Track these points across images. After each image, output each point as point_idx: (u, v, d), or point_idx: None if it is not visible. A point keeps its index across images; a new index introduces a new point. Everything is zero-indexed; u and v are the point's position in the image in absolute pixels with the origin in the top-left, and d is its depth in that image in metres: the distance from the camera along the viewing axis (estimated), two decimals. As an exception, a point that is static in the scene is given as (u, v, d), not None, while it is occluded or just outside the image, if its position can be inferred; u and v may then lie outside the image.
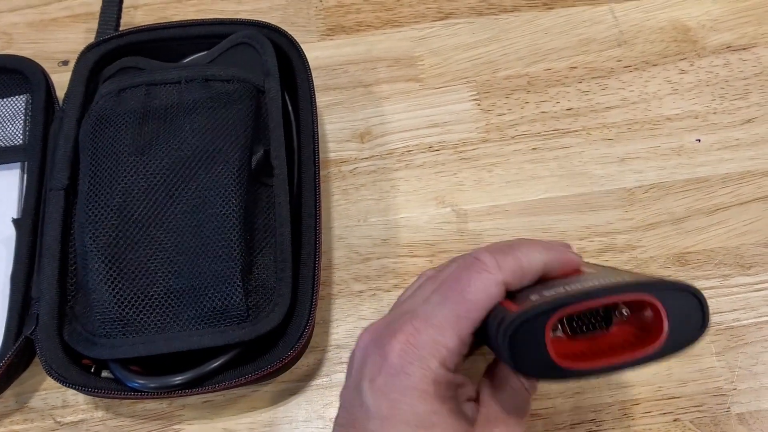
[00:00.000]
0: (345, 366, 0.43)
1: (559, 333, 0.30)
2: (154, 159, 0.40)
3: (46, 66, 0.49)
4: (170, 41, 0.48)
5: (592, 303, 0.28)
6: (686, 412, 0.42)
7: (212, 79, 0.43)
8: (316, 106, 0.45)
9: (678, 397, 0.42)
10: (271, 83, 0.44)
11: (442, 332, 0.30)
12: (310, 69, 0.46)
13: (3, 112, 0.47)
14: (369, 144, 0.50)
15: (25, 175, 0.45)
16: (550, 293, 0.29)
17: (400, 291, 0.44)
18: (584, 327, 0.30)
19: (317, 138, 0.44)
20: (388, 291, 0.46)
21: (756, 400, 0.42)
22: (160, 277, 0.38)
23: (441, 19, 0.55)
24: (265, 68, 0.45)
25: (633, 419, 0.42)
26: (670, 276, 0.45)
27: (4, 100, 0.48)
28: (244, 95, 0.43)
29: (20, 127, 0.47)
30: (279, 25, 0.48)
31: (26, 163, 0.45)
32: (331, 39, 0.54)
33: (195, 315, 0.38)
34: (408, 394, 0.30)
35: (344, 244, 0.47)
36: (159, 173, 0.39)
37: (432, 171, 0.49)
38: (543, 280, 0.32)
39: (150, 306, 0.38)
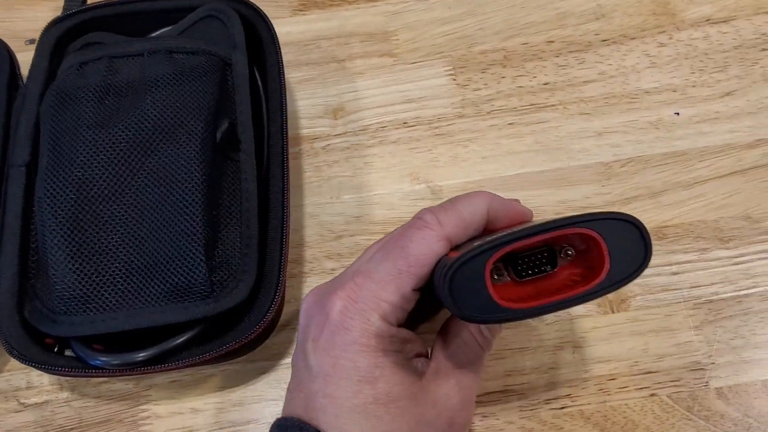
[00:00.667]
0: (316, 344, 0.43)
1: (506, 279, 0.30)
2: (115, 133, 0.39)
3: (14, 45, 0.48)
4: (137, 15, 0.47)
5: (529, 241, 0.28)
6: (663, 387, 0.41)
7: (177, 52, 0.42)
8: (284, 80, 0.44)
9: (655, 372, 0.41)
10: (238, 56, 0.43)
11: (383, 287, 0.30)
12: (278, 42, 0.45)
13: None
14: (342, 120, 0.49)
15: None
16: (491, 237, 0.29)
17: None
18: (530, 272, 0.30)
19: (285, 112, 0.43)
20: (361, 268, 0.45)
21: (735, 374, 0.41)
22: (122, 252, 0.37)
23: (416, -7, 0.54)
24: (232, 41, 0.44)
25: (609, 394, 0.41)
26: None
27: None
28: (209, 68, 0.42)
29: None
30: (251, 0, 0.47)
31: None
32: (304, 14, 0.53)
33: (157, 291, 0.37)
34: (349, 349, 0.30)
35: (316, 222, 0.46)
36: (119, 147, 0.38)
37: (407, 147, 0.48)
38: (492, 231, 0.32)
39: (111, 282, 0.37)
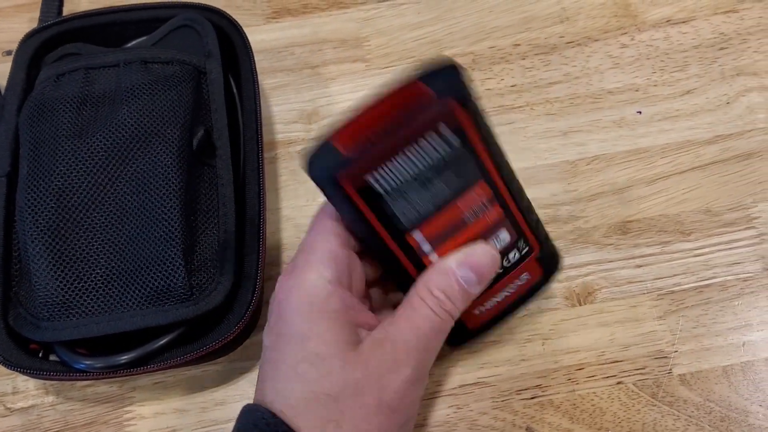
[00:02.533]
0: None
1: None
2: (92, 142, 0.40)
3: (-10, 56, 0.49)
4: (112, 26, 0.48)
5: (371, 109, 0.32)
6: (629, 375, 0.43)
7: (151, 62, 0.43)
8: (258, 86, 0.46)
9: (621, 361, 0.43)
10: (213, 64, 0.44)
11: (312, 251, 0.34)
12: (251, 49, 0.46)
13: None
14: (316, 125, 0.51)
15: None
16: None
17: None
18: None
19: (260, 117, 0.45)
20: (337, 268, 0.46)
21: (697, 361, 0.43)
22: (102, 258, 0.38)
23: None
24: (206, 50, 0.45)
25: (577, 383, 0.43)
26: (611, 244, 0.46)
27: None
28: (183, 77, 0.43)
29: None
30: (224, 9, 0.48)
31: None
32: (277, 21, 0.54)
33: (137, 295, 0.38)
34: (287, 317, 0.33)
35: (293, 225, 0.48)
36: (97, 156, 0.39)
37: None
38: None
39: (92, 288, 0.38)
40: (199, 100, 0.43)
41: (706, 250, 0.46)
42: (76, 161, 0.39)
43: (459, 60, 0.52)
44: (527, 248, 0.37)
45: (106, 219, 0.39)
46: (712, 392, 0.42)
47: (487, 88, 0.52)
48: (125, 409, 0.43)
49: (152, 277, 0.38)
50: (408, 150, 0.32)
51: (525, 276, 0.38)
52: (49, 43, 0.47)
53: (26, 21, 0.54)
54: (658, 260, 0.46)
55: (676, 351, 0.43)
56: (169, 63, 0.43)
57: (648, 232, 0.47)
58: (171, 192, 0.39)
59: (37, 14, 0.51)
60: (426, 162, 0.32)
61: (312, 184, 0.48)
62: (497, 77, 0.52)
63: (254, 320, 0.43)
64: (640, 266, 0.46)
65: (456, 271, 0.34)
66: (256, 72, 0.46)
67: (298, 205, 0.48)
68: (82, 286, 0.38)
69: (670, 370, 0.43)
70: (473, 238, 0.35)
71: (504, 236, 0.36)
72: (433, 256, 0.35)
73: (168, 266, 0.38)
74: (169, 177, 0.39)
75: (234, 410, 0.41)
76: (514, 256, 0.37)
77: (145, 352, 0.38)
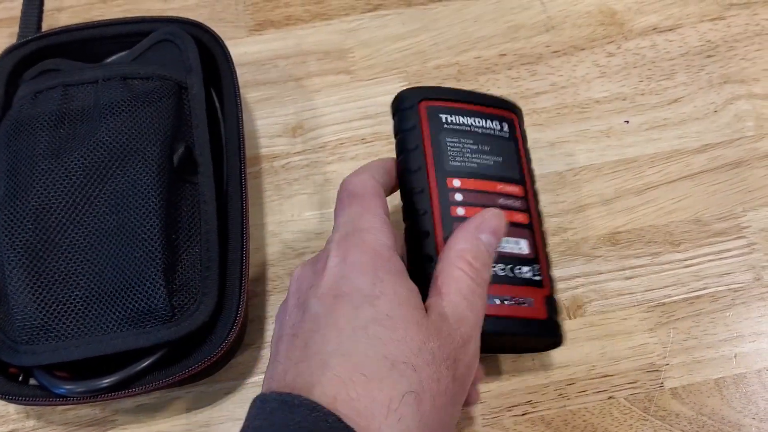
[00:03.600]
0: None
1: None
2: (70, 161, 0.39)
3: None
4: (92, 42, 0.47)
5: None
6: (620, 389, 0.42)
7: (131, 77, 0.43)
8: (240, 101, 0.45)
9: (612, 375, 0.42)
10: (194, 79, 0.44)
11: (368, 209, 0.34)
12: (233, 63, 0.46)
13: None
14: (301, 138, 0.50)
15: None
16: None
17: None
18: None
19: (242, 133, 0.44)
20: (324, 284, 0.45)
21: (688, 374, 0.42)
22: (81, 280, 0.37)
23: (370, 11, 0.55)
24: (186, 65, 0.44)
25: (568, 399, 0.42)
26: (600, 255, 0.46)
27: None
28: (163, 93, 0.42)
29: None
30: (207, 21, 0.48)
31: None
32: (260, 34, 0.54)
33: (118, 317, 0.37)
34: (348, 274, 0.31)
35: (278, 240, 0.47)
36: (75, 175, 0.39)
37: (365, 163, 0.49)
38: None
39: (71, 310, 0.37)
40: (180, 115, 0.42)
41: (697, 260, 0.46)
42: (54, 181, 0.38)
43: (444, 70, 0.52)
44: (539, 278, 0.37)
45: (84, 239, 0.38)
46: (705, 405, 0.42)
47: (474, 99, 0.51)
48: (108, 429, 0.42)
49: (133, 299, 0.37)
50: (476, 112, 0.40)
51: (528, 301, 0.36)
52: (28, 59, 0.46)
53: (5, 36, 0.53)
54: (648, 272, 0.45)
55: (668, 364, 0.43)
56: (149, 79, 0.43)
57: (637, 243, 0.46)
58: (151, 210, 0.38)
59: (16, 29, 0.50)
60: (485, 127, 0.40)
61: (297, 199, 0.48)
62: (483, 88, 0.51)
63: (239, 340, 0.42)
64: (629, 278, 0.45)
65: (481, 237, 0.34)
66: (238, 86, 0.45)
67: (282, 221, 0.47)
68: (61, 309, 0.37)
69: (662, 383, 0.42)
70: None
71: (523, 246, 0.37)
72: (460, 210, 0.37)
73: (148, 287, 0.37)
74: (149, 195, 0.39)
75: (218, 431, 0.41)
76: (526, 272, 0.37)
77: (127, 375, 0.37)
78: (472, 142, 0.39)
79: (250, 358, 0.43)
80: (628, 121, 0.50)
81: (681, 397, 0.42)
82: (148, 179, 0.39)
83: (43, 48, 0.46)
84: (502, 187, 0.38)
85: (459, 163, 0.38)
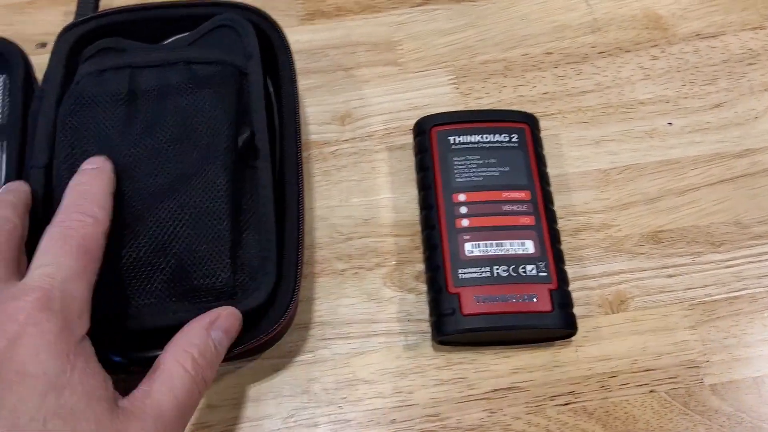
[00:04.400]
0: (327, 342, 0.44)
1: None
2: (139, 140, 0.40)
3: (24, 48, 0.49)
4: (151, 22, 0.47)
5: None
6: (661, 384, 0.43)
7: (195, 62, 0.43)
8: (297, 88, 0.46)
9: (653, 370, 0.43)
10: (253, 66, 0.44)
11: (73, 280, 0.31)
12: (291, 51, 0.46)
13: None
14: (350, 126, 0.51)
15: (4, 154, 0.45)
16: None
17: (383, 269, 0.46)
18: None
19: (299, 119, 0.45)
20: (371, 269, 0.46)
21: (728, 371, 0.43)
22: (147, 256, 0.38)
23: (419, 5, 0.56)
24: (246, 51, 0.45)
25: (610, 391, 0.43)
26: (643, 253, 0.46)
27: None
28: (226, 77, 0.43)
29: None
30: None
31: (5, 142, 0.45)
32: (311, 23, 0.55)
33: (182, 292, 0.38)
34: (38, 347, 0.28)
35: (326, 224, 0.48)
36: (144, 154, 0.39)
37: (412, 152, 0.50)
38: None
39: (138, 285, 0.38)
40: (241, 101, 0.43)
41: (737, 261, 0.46)
42: (122, 158, 0.39)
43: (491, 66, 0.53)
44: (545, 274, 0.42)
45: (151, 217, 0.38)
46: (743, 403, 0.42)
47: (520, 95, 0.52)
48: (157, 404, 0.42)
49: (199, 275, 0.38)
50: (483, 129, 0.46)
51: (533, 297, 0.41)
52: (87, 36, 0.46)
53: (60, 14, 0.54)
54: (689, 270, 0.46)
55: (708, 361, 0.44)
56: (212, 63, 0.43)
57: (679, 243, 0.47)
58: (219, 192, 0.39)
59: (71, 8, 0.51)
60: (492, 141, 0.45)
61: (345, 185, 0.49)
62: (529, 84, 0.52)
63: (291, 320, 0.43)
64: (671, 276, 0.46)
65: (212, 334, 0.34)
66: (295, 74, 0.46)
67: (331, 205, 0.48)
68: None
69: (702, 379, 0.43)
70: (501, 227, 0.43)
71: (528, 246, 0.42)
72: (465, 222, 0.43)
73: (216, 264, 0.38)
74: (217, 177, 0.39)
75: (266, 407, 0.42)
76: (531, 270, 0.42)
77: None
78: (479, 157, 0.45)
79: (298, 338, 0.44)
80: (671, 123, 0.51)
81: (720, 393, 0.43)
82: (216, 161, 0.39)
83: (103, 26, 0.47)
84: (507, 194, 0.44)
85: (465, 179, 0.44)
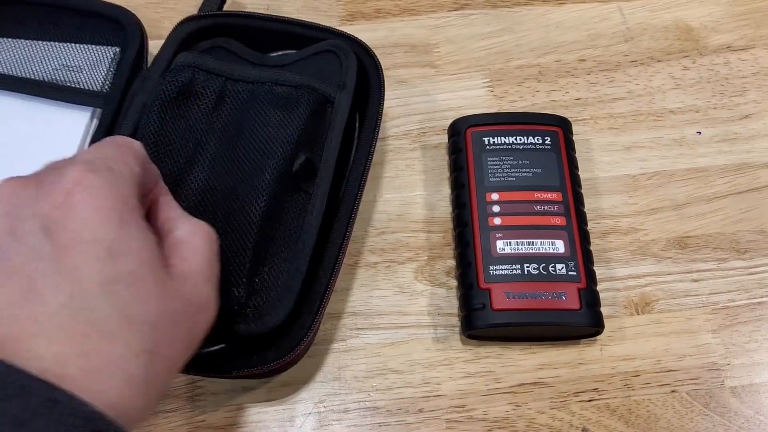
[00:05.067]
0: (359, 331, 0.45)
1: None
2: (214, 143, 0.42)
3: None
4: (266, 32, 0.49)
5: None
6: (683, 384, 0.44)
7: (280, 84, 0.44)
8: (377, 134, 0.46)
9: (676, 370, 0.44)
10: (343, 97, 0.45)
11: (122, 152, 0.31)
12: (384, 90, 0.47)
13: (90, 57, 0.49)
14: (387, 125, 0.52)
15: (95, 121, 0.47)
16: None
17: (414, 264, 0.47)
18: None
19: (369, 163, 0.45)
20: (402, 263, 0.48)
21: (748, 375, 0.44)
22: None
23: (457, 9, 0.57)
24: (341, 81, 0.45)
25: (633, 389, 0.44)
26: (669, 257, 0.48)
27: (96, 47, 0.50)
28: (303, 102, 0.43)
29: (101, 76, 0.49)
30: (301, 10, 0.51)
31: (99, 110, 0.48)
32: (351, 24, 0.56)
33: None
34: (91, 213, 0.28)
35: (361, 219, 0.49)
36: (215, 156, 0.41)
37: (445, 152, 0.51)
38: None
39: None
40: (314, 125, 0.44)
41: (760, 269, 0.48)
42: (195, 150, 0.41)
43: (526, 70, 0.54)
44: (575, 273, 0.43)
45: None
46: (763, 406, 0.44)
47: (553, 100, 0.53)
48: (196, 383, 0.44)
49: None
50: (517, 131, 0.48)
51: (562, 295, 0.43)
52: (203, 31, 0.48)
53: (190, 6, 0.55)
54: (713, 276, 0.47)
55: (729, 364, 0.45)
56: (296, 87, 0.44)
57: (705, 248, 0.48)
58: (255, 208, 0.40)
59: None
60: (525, 143, 0.47)
61: (380, 181, 0.50)
62: (562, 90, 0.54)
63: (305, 349, 0.43)
64: (696, 281, 0.47)
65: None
66: (381, 118, 0.46)
67: (365, 200, 0.50)
68: None
69: (723, 382, 0.44)
70: (533, 226, 0.45)
71: (558, 246, 0.44)
72: (497, 220, 0.45)
73: (232, 278, 0.38)
74: (258, 194, 0.40)
75: (298, 391, 0.43)
76: (561, 269, 0.43)
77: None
78: (512, 158, 0.47)
79: (330, 326, 0.46)
80: (700, 132, 0.52)
81: (740, 396, 0.44)
82: (262, 178, 0.40)
83: (221, 25, 0.48)
84: (539, 195, 0.46)
85: (499, 179, 0.46)
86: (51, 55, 0.50)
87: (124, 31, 0.49)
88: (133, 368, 0.27)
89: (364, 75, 0.47)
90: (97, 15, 0.50)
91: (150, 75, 0.45)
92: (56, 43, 0.50)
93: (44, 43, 0.50)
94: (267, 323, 0.38)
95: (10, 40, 0.50)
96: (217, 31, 0.49)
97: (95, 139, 0.46)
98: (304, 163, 0.42)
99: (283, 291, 0.39)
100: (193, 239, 0.32)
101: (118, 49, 0.50)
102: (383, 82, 0.47)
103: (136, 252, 0.28)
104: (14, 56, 0.49)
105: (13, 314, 0.26)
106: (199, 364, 0.38)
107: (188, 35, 0.48)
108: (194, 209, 0.40)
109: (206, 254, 0.32)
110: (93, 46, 0.50)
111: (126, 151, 0.32)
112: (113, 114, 0.46)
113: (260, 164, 0.41)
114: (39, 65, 0.49)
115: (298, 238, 0.40)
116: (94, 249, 0.27)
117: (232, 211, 0.40)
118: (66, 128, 0.48)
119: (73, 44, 0.50)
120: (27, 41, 0.50)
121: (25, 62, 0.49)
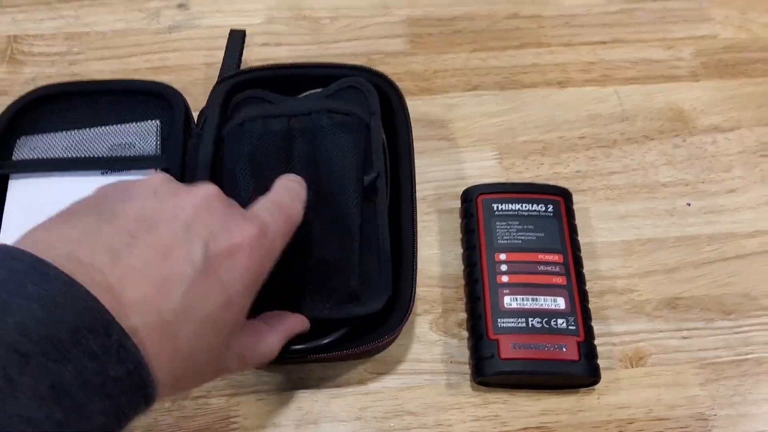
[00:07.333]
0: (379, 376, 0.50)
1: None
2: (299, 170, 0.48)
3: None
4: (292, 78, 0.56)
5: None
6: (673, 432, 0.48)
7: (334, 111, 0.51)
8: (413, 141, 0.54)
9: (667, 419, 0.49)
10: (375, 121, 0.52)
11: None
12: (408, 111, 0.55)
13: (138, 132, 0.55)
14: (405, 191, 0.58)
15: None
16: None
17: (429, 316, 0.52)
18: None
19: (414, 166, 0.53)
20: (419, 315, 0.53)
21: (733, 425, 0.48)
22: (302, 261, 0.46)
23: (470, 90, 0.64)
24: (370, 109, 0.52)
25: (628, 435, 0.48)
26: (661, 316, 0.52)
27: (139, 123, 0.56)
28: (358, 126, 0.50)
29: (152, 146, 0.54)
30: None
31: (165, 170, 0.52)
32: (376, 100, 0.63)
33: (323, 292, 0.46)
34: (237, 275, 0.34)
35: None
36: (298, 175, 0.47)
37: (458, 216, 0.57)
38: None
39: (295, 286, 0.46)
40: (368, 147, 0.51)
41: (745, 328, 0.52)
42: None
43: (531, 146, 0.60)
44: (574, 327, 0.48)
45: (308, 234, 0.46)
46: (747, 454, 0.48)
47: (555, 172, 0.59)
48: (230, 420, 0.49)
49: (335, 279, 0.46)
50: (523, 199, 0.53)
51: (563, 347, 0.47)
52: (237, 87, 0.55)
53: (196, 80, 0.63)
54: (701, 334, 0.52)
55: (716, 415, 0.49)
56: (348, 114, 0.51)
57: (694, 309, 0.53)
58: (353, 215, 0.47)
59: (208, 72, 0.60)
60: (530, 210, 0.53)
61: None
62: (564, 163, 0.60)
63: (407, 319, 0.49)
64: (685, 338, 0.52)
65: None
66: (411, 128, 0.54)
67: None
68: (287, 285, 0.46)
69: (710, 431, 0.48)
70: (537, 284, 0.50)
71: (560, 302, 0.49)
72: (505, 278, 0.50)
73: (348, 272, 0.46)
74: (351, 203, 0.48)
75: (324, 428, 0.48)
76: (561, 323, 0.48)
77: (318, 345, 0.46)
78: (518, 223, 0.52)
79: (353, 371, 0.50)
80: (689, 204, 0.58)
81: (727, 445, 0.48)
82: (350, 192, 0.48)
83: (250, 80, 0.55)
84: (542, 256, 0.51)
85: (506, 241, 0.52)
86: (101, 139, 0.55)
87: (166, 102, 0.55)
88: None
89: (383, 98, 0.55)
90: (140, 92, 0.56)
91: (205, 132, 0.51)
92: (102, 127, 0.55)
93: (91, 129, 0.55)
94: (378, 301, 0.46)
95: (61, 133, 0.55)
96: (245, 84, 0.55)
97: None
98: (374, 177, 0.49)
99: (380, 275, 0.47)
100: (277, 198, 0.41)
101: (158, 121, 0.56)
102: (404, 101, 0.55)
103: (237, 313, 0.35)
104: (69, 144, 0.54)
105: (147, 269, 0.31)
106: (331, 346, 0.46)
107: (225, 94, 0.54)
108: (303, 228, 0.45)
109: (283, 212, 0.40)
110: (135, 123, 0.56)
111: (299, 203, 0.41)
112: (180, 170, 0.52)
113: (342, 181, 0.48)
114: (93, 149, 0.54)
115: (377, 236, 0.48)
116: (222, 296, 0.33)
117: (334, 220, 0.47)
118: None
119: (118, 125, 0.55)
120: (75, 131, 0.55)
121: (80, 148, 0.54)
